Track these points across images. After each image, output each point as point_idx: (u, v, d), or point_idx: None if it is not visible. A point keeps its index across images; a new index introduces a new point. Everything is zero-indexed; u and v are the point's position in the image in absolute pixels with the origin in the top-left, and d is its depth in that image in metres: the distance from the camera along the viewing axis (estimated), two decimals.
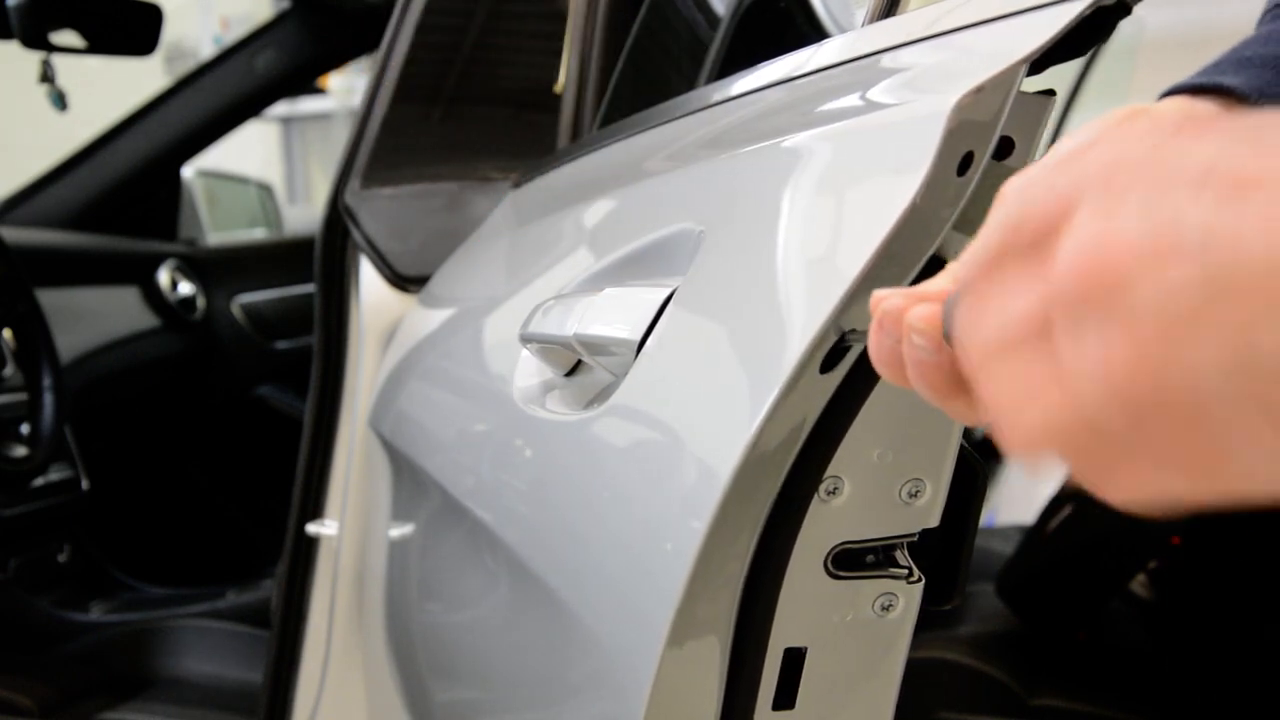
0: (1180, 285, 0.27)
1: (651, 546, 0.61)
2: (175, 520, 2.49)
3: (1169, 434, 0.28)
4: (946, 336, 0.40)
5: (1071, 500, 1.68)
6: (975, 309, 0.34)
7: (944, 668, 1.51)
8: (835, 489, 0.58)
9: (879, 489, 0.58)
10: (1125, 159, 0.30)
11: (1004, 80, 0.49)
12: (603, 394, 0.74)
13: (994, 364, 0.33)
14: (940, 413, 0.44)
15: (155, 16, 2.10)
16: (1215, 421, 0.27)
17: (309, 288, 2.51)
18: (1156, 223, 0.27)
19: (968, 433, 0.61)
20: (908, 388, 0.43)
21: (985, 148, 0.50)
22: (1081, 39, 0.50)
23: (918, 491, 0.59)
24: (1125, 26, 0.52)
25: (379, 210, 1.38)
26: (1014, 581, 1.69)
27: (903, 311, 0.42)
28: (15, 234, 2.03)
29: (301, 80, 2.48)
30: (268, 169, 4.64)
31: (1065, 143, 0.40)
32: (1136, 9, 0.50)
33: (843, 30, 0.86)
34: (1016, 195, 0.34)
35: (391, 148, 1.41)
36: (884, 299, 0.42)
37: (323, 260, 1.38)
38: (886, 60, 0.60)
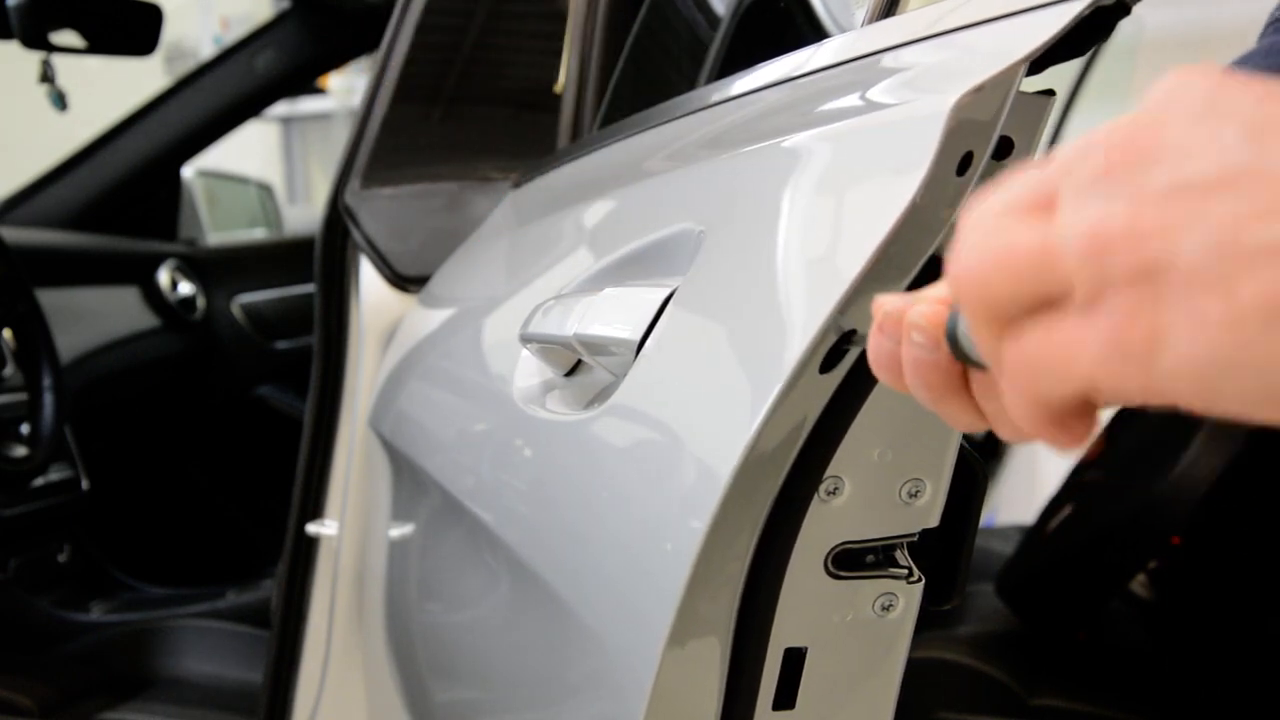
0: (1198, 174, 0.28)
1: (651, 546, 0.61)
2: (175, 520, 2.49)
3: (1119, 304, 0.29)
4: (949, 337, 0.40)
5: (1072, 500, 1.68)
6: (983, 202, 0.34)
7: (944, 668, 1.51)
8: (835, 489, 0.58)
9: (879, 489, 0.58)
10: (1179, 90, 0.31)
11: (1004, 80, 0.49)
12: (603, 394, 0.74)
13: (980, 230, 0.33)
14: None
15: (155, 16, 2.10)
16: (1174, 299, 0.28)
17: (309, 288, 2.51)
18: (1198, 128, 0.29)
19: (968, 433, 0.61)
20: (906, 392, 0.43)
21: (985, 147, 0.50)
22: (1081, 39, 0.50)
23: (918, 491, 0.59)
24: (1125, 26, 0.52)
25: (379, 210, 1.38)
26: (1014, 581, 1.69)
27: (903, 313, 0.42)
28: (15, 234, 2.03)
29: (301, 80, 2.48)
30: (268, 169, 4.63)
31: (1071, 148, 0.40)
32: (1136, 9, 0.50)
33: (843, 30, 0.86)
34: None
35: (391, 148, 1.41)
36: (884, 303, 0.43)
37: (323, 260, 1.38)
38: (886, 60, 0.60)
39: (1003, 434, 0.41)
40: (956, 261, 0.33)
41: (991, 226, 0.33)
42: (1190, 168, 0.28)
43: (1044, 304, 0.31)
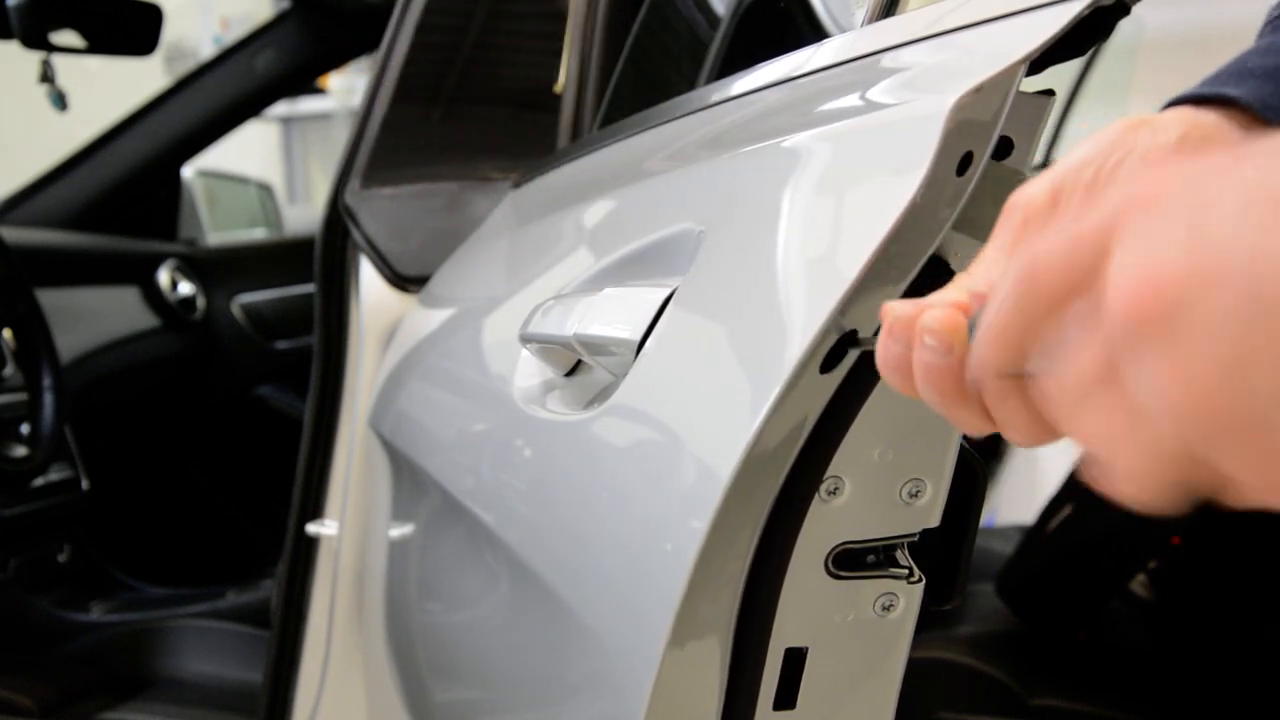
0: (1232, 308, 0.27)
1: (652, 546, 0.61)
2: (175, 520, 2.49)
3: (1243, 457, 0.29)
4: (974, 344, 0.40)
5: (1071, 500, 1.68)
6: (1047, 364, 0.34)
7: (944, 668, 1.51)
8: (836, 489, 0.58)
9: (880, 489, 0.58)
10: (1160, 187, 0.30)
11: (1003, 80, 0.49)
12: (603, 394, 0.74)
13: (1079, 414, 0.33)
14: None
15: (155, 16, 2.10)
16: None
17: (309, 288, 2.50)
18: (1202, 248, 0.28)
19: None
20: (915, 396, 0.43)
21: (985, 147, 0.50)
22: (1081, 39, 0.50)
23: (918, 491, 0.59)
24: (1125, 26, 0.52)
25: (379, 210, 1.38)
26: (1014, 581, 1.69)
27: (914, 318, 0.41)
28: (15, 234, 2.03)
29: (301, 80, 2.48)
30: (268, 169, 4.63)
31: (1073, 160, 0.40)
32: (1136, 9, 0.50)
33: (842, 30, 0.86)
34: (1039, 245, 0.34)
35: (391, 148, 1.41)
36: (894, 308, 0.42)
37: (323, 260, 1.38)
38: (886, 60, 0.60)
39: (1012, 439, 0.41)
40: (1112, 476, 0.33)
41: (1098, 423, 0.32)
42: (1220, 306, 0.27)
43: (1200, 468, 0.31)
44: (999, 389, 0.40)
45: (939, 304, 0.41)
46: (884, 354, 0.43)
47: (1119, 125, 0.40)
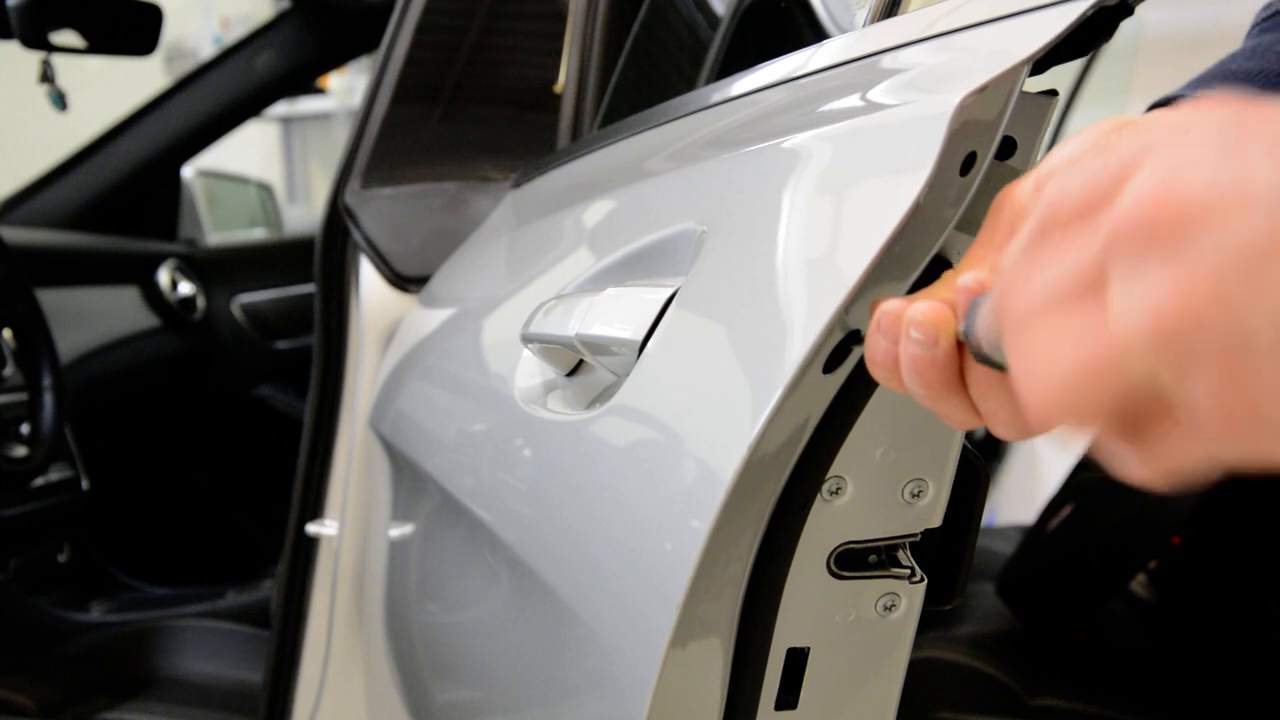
0: (1246, 235, 0.27)
1: (653, 546, 0.61)
2: (175, 520, 2.49)
3: (1210, 384, 0.28)
4: (965, 335, 0.40)
5: (1072, 500, 1.68)
6: (1021, 274, 0.34)
7: (944, 668, 1.51)
8: (838, 489, 0.58)
9: (882, 489, 0.58)
10: (1193, 122, 0.30)
11: (1006, 80, 0.49)
12: (604, 394, 0.74)
13: (1035, 320, 0.32)
14: None
15: (155, 16, 2.10)
16: (1260, 375, 0.27)
17: (309, 288, 2.51)
18: (1228, 175, 0.28)
19: (969, 432, 0.61)
20: (903, 390, 0.43)
21: (988, 148, 0.50)
22: (1084, 39, 0.50)
23: (920, 491, 0.59)
24: (1125, 26, 0.52)
25: (379, 210, 1.38)
26: (1014, 581, 1.69)
27: (901, 312, 0.42)
28: (15, 234, 2.03)
29: (301, 80, 2.49)
30: (268, 169, 4.64)
31: (1058, 159, 0.40)
32: (1137, 9, 0.50)
33: (843, 30, 0.86)
34: (1061, 173, 0.34)
35: (391, 148, 1.41)
36: (883, 303, 0.43)
37: (323, 260, 1.38)
38: (888, 60, 0.59)
39: (998, 432, 0.42)
40: (1029, 386, 0.32)
41: (1049, 333, 0.32)
42: (1233, 231, 0.28)
43: (1135, 399, 0.31)
44: (984, 380, 0.40)
45: (926, 298, 0.41)
46: (872, 348, 0.43)
47: (1103, 125, 0.40)
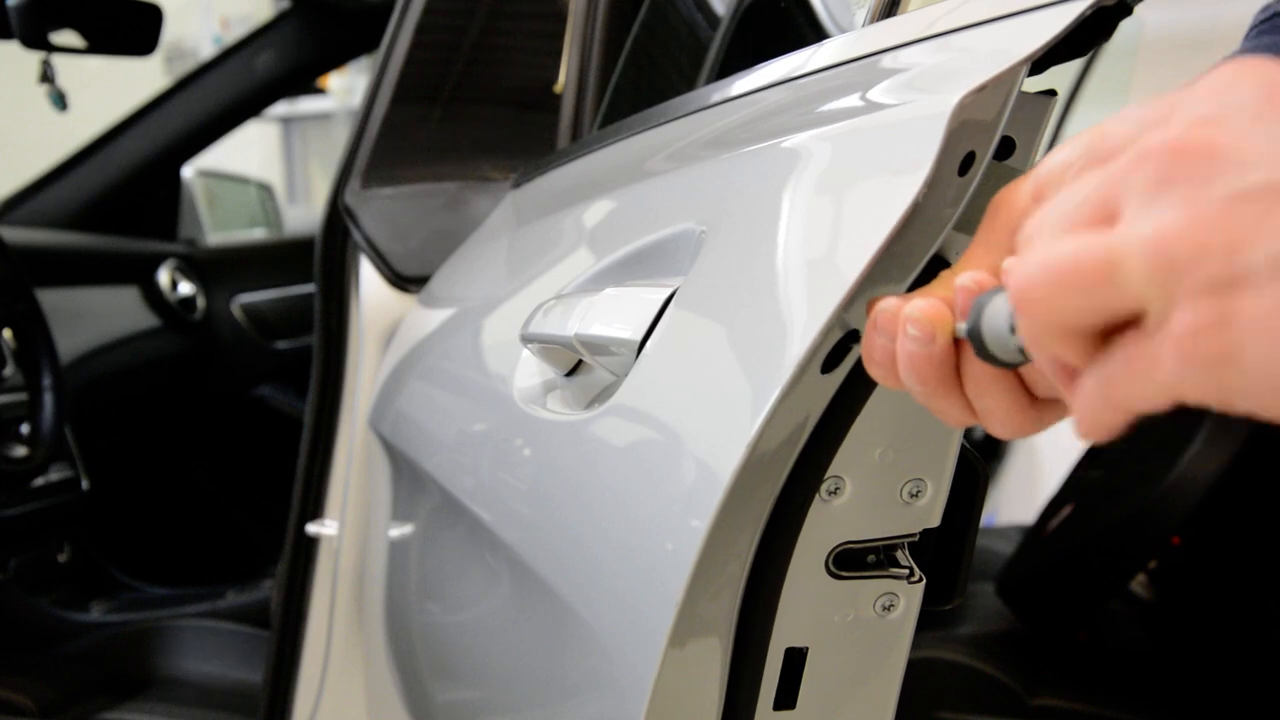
0: (1264, 180, 0.28)
1: (652, 546, 0.61)
2: (175, 520, 2.49)
3: (1194, 311, 0.29)
4: (965, 333, 0.40)
5: (1072, 500, 1.68)
6: (1042, 210, 0.34)
7: (944, 668, 1.51)
8: (836, 489, 0.58)
9: (880, 489, 0.58)
10: (1233, 80, 0.31)
11: (1005, 80, 0.49)
12: (604, 394, 0.74)
13: (1047, 233, 0.33)
14: None
15: (155, 16, 2.10)
16: (1244, 311, 0.28)
17: (309, 288, 2.51)
18: (1259, 127, 0.29)
19: (968, 432, 0.61)
20: (899, 388, 0.44)
21: (987, 148, 0.50)
22: (1083, 39, 0.50)
23: (919, 491, 0.59)
24: (1125, 26, 0.52)
25: (379, 210, 1.38)
26: (1014, 581, 1.69)
27: (898, 309, 0.42)
28: (15, 234, 2.03)
29: (301, 80, 2.49)
30: (268, 169, 4.64)
31: (1054, 161, 0.41)
32: (1137, 9, 0.50)
33: (843, 30, 0.86)
34: (1107, 124, 0.35)
35: (391, 148, 1.41)
36: (880, 301, 0.43)
37: (323, 260, 1.38)
38: (887, 60, 0.59)
39: (994, 431, 0.42)
40: (1021, 277, 0.33)
41: (1053, 241, 0.33)
42: (1253, 176, 0.28)
43: (1117, 318, 0.31)
44: (980, 378, 0.41)
45: (923, 296, 0.42)
46: (869, 346, 0.44)
47: (1098, 129, 0.41)
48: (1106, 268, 0.31)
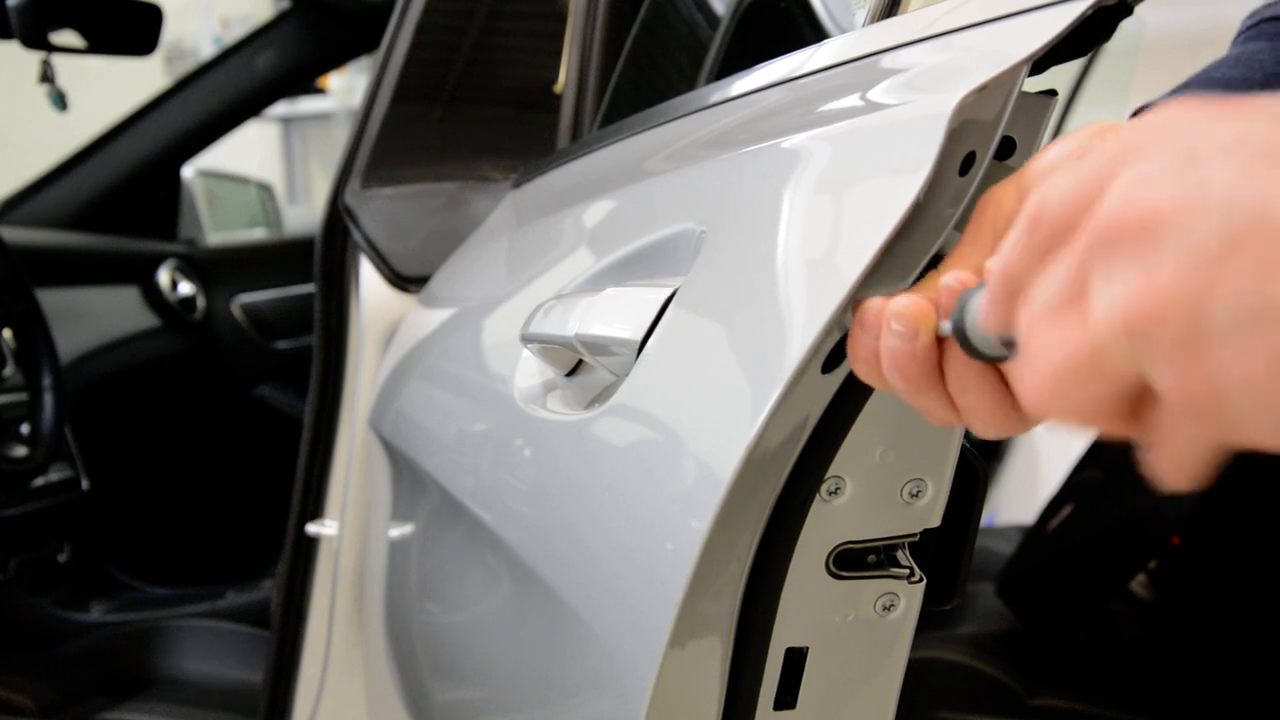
0: (1203, 235, 0.29)
1: (653, 546, 0.61)
2: (175, 520, 2.49)
3: (1175, 371, 0.30)
4: (950, 330, 0.41)
5: (1072, 500, 1.68)
6: (1023, 286, 0.36)
7: (944, 668, 1.51)
8: (837, 489, 0.58)
9: (881, 489, 0.58)
10: (1156, 135, 0.32)
11: (1006, 80, 0.49)
12: (604, 394, 0.74)
13: (1036, 327, 0.35)
14: None
15: (155, 16, 2.10)
16: (1217, 361, 0.29)
17: (309, 288, 2.51)
18: (1188, 181, 0.30)
19: (969, 433, 0.61)
20: (884, 386, 0.44)
21: (987, 148, 0.50)
22: (1083, 39, 0.50)
23: (919, 491, 0.59)
24: (1125, 26, 0.52)
25: (379, 210, 1.38)
26: (1014, 581, 1.69)
27: (883, 307, 0.43)
28: (15, 234, 2.03)
29: (301, 80, 2.49)
30: (268, 169, 4.64)
31: (1042, 163, 0.42)
32: (1137, 9, 0.50)
33: (843, 30, 0.86)
34: (1043, 182, 0.36)
35: (391, 148, 1.41)
36: (866, 301, 0.45)
37: (323, 260, 1.38)
38: (887, 60, 0.59)
39: (976, 429, 0.43)
40: (1032, 390, 0.35)
41: (1044, 337, 0.34)
42: (1192, 235, 0.30)
43: (1132, 388, 0.33)
44: (962, 377, 0.42)
45: (907, 294, 0.43)
46: (855, 343, 0.45)
47: (1087, 130, 0.42)
48: (1092, 357, 0.32)
